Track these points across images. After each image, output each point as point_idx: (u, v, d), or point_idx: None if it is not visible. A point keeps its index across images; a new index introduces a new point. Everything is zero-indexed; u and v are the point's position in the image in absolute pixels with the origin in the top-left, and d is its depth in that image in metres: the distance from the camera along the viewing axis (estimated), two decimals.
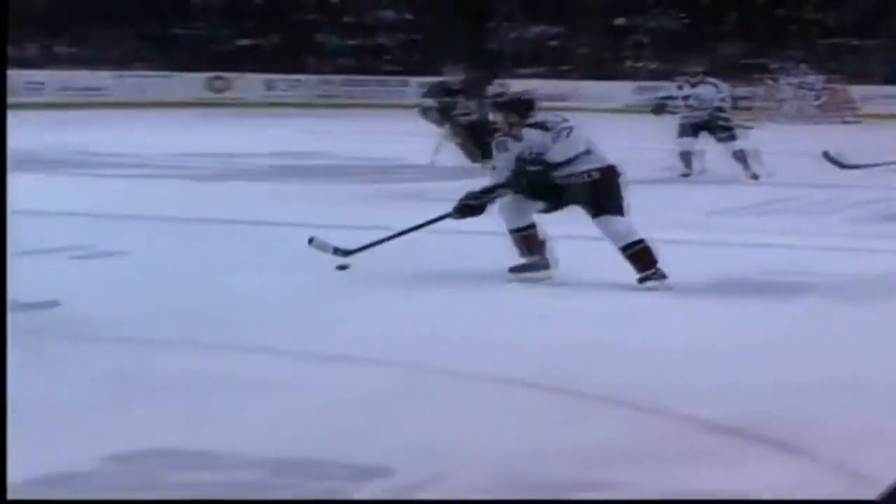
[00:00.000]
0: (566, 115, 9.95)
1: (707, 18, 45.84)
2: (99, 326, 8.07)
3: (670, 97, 18.74)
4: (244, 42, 46.05)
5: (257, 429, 5.86)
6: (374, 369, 7.15)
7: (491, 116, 10.02)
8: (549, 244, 9.70)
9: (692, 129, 18.16)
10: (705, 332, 8.19)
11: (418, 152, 17.92)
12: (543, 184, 9.52)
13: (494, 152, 9.78)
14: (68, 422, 6.05)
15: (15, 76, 37.72)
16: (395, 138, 23.99)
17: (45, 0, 43.12)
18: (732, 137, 18.16)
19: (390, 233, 9.75)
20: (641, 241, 9.40)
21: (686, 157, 18.19)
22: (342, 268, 9.43)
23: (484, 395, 6.68)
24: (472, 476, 5.22)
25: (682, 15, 46.77)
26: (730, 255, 11.26)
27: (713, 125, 18.05)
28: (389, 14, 49.48)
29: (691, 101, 18.12)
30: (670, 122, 18.59)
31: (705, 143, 18.41)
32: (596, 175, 9.49)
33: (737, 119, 19.12)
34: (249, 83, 41.38)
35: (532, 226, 9.69)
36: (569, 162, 9.44)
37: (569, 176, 9.48)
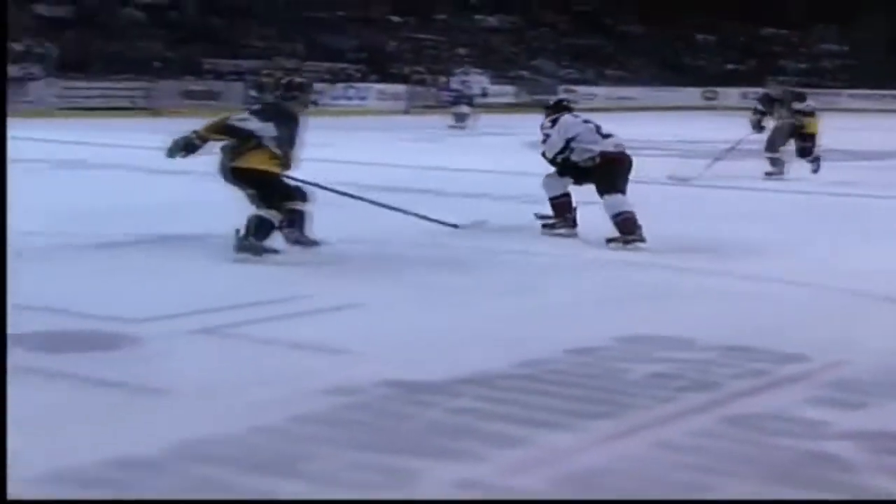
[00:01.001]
0: None
1: None
2: (622, 250, 8.10)
3: None
4: (730, 66, 45.29)
5: (708, 324, 5.75)
6: (792, 288, 6.93)
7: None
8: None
9: None
10: None
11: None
12: (565, 163, 8.75)
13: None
14: (584, 311, 6.15)
15: (580, 90, 38.28)
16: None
17: (605, 39, 43.67)
18: None
19: None
20: (624, 212, 8.26)
21: None
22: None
23: (873, 309, 6.44)
24: (864, 364, 5.01)
25: None
26: None
27: None
28: (832, 46, 47.89)
29: None
30: None
31: None
32: (598, 160, 8.56)
33: None
34: (730, 95, 40.58)
35: (566, 195, 8.80)
36: (563, 149, 8.65)
37: (577, 160, 8.65)
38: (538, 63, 40.43)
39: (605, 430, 4.03)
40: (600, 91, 38.78)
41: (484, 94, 25.21)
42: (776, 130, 14.16)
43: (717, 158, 13.72)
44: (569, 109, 9.10)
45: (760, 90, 15.33)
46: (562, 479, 3.57)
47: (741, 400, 4.45)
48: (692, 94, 40.89)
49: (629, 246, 8.18)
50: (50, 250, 7.60)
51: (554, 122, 8.87)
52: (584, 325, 5.69)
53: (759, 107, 14.50)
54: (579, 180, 8.82)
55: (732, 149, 14.15)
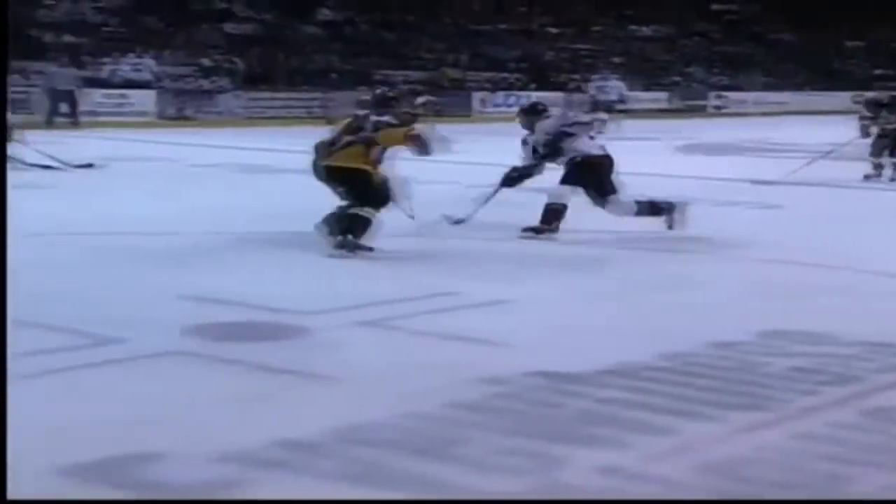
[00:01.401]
0: None
1: None
2: (761, 249, 7.87)
3: None
4: (878, 71, 43.86)
5: (848, 320, 5.51)
6: None
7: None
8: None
9: None
10: None
11: None
12: (555, 153, 8.49)
13: (522, 146, 8.72)
14: (724, 306, 5.96)
15: (731, 96, 37.42)
16: None
17: (755, 46, 42.75)
18: None
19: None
20: (554, 204, 8.15)
21: None
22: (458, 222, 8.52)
23: None
24: None
25: None
26: None
27: None
28: None
29: None
30: None
31: None
32: (579, 159, 8.37)
33: None
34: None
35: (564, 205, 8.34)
36: (548, 142, 8.45)
37: (565, 159, 8.45)
38: (691, 70, 39.81)
39: (745, 421, 3.91)
40: (750, 96, 37.99)
41: (621, 101, 24.36)
42: (880, 134, 13.66)
43: (811, 161, 13.32)
44: (545, 111, 8.98)
45: (867, 94, 14.80)
46: (702, 467, 3.48)
47: (883, 393, 4.28)
48: (842, 98, 39.70)
49: (541, 236, 8.07)
50: (225, 247, 7.75)
51: (534, 124, 8.73)
52: (724, 320, 5.55)
53: (866, 112, 13.99)
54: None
55: (831, 152, 13.71)
